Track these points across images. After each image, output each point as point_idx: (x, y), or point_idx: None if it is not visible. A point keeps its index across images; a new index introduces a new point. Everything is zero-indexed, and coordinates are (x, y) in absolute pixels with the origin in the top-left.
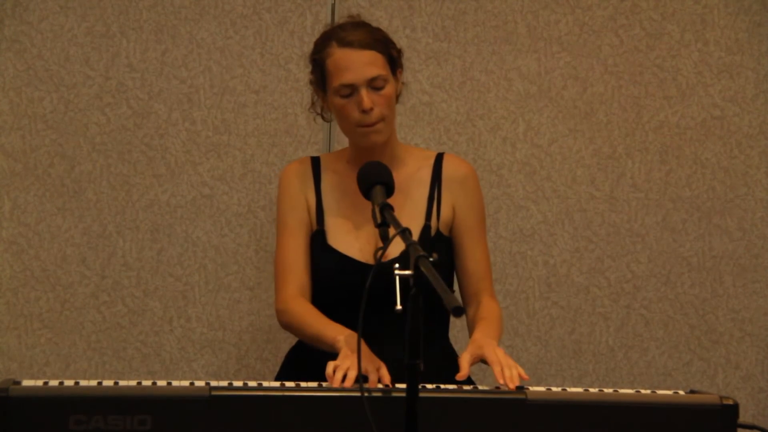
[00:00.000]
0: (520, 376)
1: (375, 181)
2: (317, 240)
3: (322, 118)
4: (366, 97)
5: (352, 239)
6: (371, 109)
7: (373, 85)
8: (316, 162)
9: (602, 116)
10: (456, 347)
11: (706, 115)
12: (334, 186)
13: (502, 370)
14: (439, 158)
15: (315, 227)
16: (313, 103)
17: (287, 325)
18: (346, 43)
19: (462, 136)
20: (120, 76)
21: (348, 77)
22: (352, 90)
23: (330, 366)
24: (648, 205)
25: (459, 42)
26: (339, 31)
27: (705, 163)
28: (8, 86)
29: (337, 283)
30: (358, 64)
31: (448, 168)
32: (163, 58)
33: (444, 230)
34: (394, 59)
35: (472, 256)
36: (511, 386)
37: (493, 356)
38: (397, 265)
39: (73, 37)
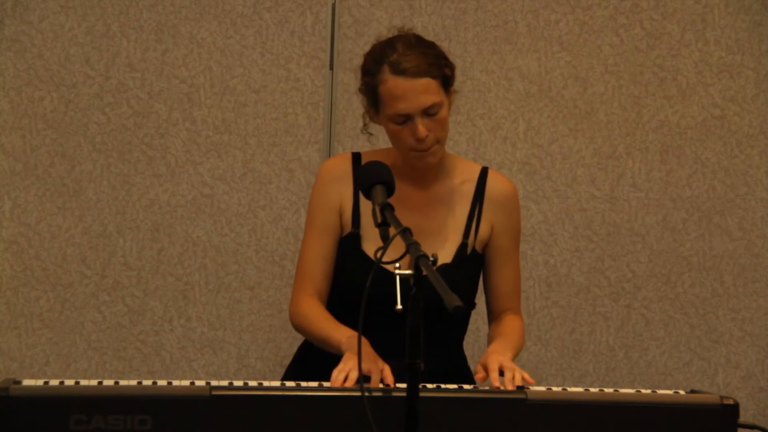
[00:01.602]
0: (524, 378)
1: (375, 180)
2: (351, 243)
3: (365, 129)
4: (421, 125)
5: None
6: (427, 136)
7: (428, 112)
8: (357, 159)
9: (602, 116)
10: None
11: (707, 114)
12: None
13: (498, 376)
14: (484, 174)
15: (350, 229)
16: (365, 125)
17: (298, 327)
18: (399, 71)
19: (462, 135)
20: (120, 75)
21: (402, 107)
22: (405, 118)
23: (334, 372)
24: (648, 204)
25: (459, 42)
26: (391, 53)
27: (705, 162)
28: (8, 86)
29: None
30: (412, 93)
31: (492, 187)
32: (164, 58)
33: (479, 248)
34: (447, 79)
35: (502, 275)
36: (509, 387)
37: (493, 364)
38: (397, 265)
39: (74, 37)
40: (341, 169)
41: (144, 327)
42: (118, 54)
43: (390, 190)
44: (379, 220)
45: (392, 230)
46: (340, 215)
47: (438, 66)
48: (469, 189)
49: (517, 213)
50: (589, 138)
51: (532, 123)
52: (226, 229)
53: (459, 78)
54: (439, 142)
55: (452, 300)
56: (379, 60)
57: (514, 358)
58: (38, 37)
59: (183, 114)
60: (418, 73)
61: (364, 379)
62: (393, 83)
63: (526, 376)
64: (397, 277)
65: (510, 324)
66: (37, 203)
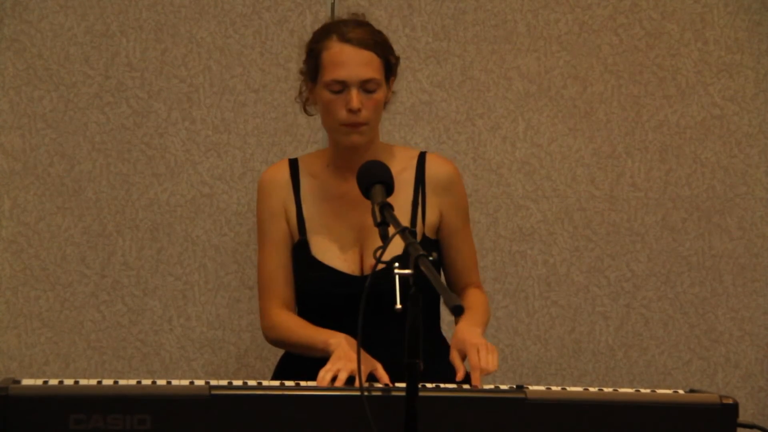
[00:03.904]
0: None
1: (375, 180)
2: (301, 251)
3: (306, 111)
4: (356, 97)
5: (336, 250)
6: (359, 110)
7: (366, 87)
8: (294, 165)
9: (602, 115)
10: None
11: (706, 114)
12: (314, 192)
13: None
14: (422, 159)
15: (297, 237)
16: (300, 92)
17: (276, 341)
18: (346, 39)
19: (462, 135)
20: (120, 75)
21: (341, 74)
22: (342, 87)
23: (321, 372)
24: (648, 204)
25: (458, 41)
26: (341, 26)
27: (705, 162)
28: (8, 85)
29: (323, 296)
30: (354, 62)
31: (432, 170)
32: (163, 58)
33: (429, 234)
34: (390, 66)
35: (459, 253)
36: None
37: (474, 358)
38: (397, 264)
39: (73, 36)
40: (280, 177)
41: (143, 326)
42: (117, 53)
43: (389, 190)
44: (379, 219)
45: (392, 229)
46: (288, 223)
47: (384, 48)
48: (409, 176)
49: (462, 192)
50: (588, 137)
51: (532, 122)
52: (225, 229)
53: (458, 77)
54: (369, 123)
55: (452, 299)
56: (329, 30)
57: (483, 332)
58: (37, 36)
59: (182, 113)
60: (363, 45)
61: (351, 379)
62: (338, 48)
63: (495, 362)
64: (396, 277)
65: (474, 298)
66: (36, 203)
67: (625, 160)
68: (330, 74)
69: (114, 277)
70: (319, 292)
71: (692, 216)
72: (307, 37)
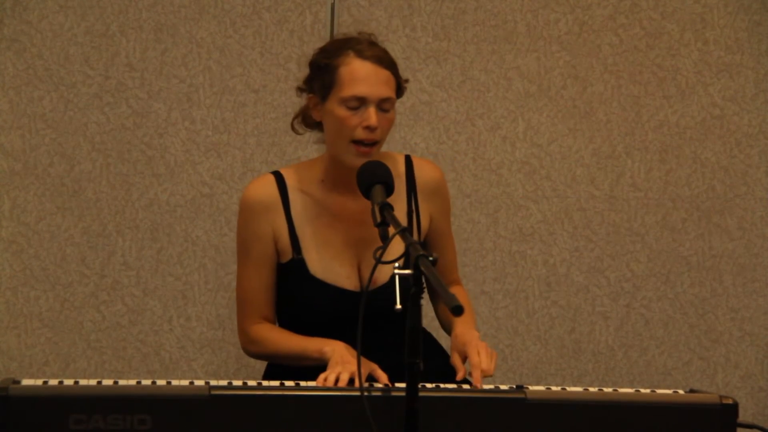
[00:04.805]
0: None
1: (375, 180)
2: (297, 270)
3: (294, 129)
4: (374, 114)
5: (336, 266)
6: (376, 128)
7: (382, 106)
8: (280, 181)
9: (602, 116)
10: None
11: (706, 114)
12: (307, 210)
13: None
14: (409, 164)
15: (290, 255)
16: (303, 114)
17: (261, 355)
18: (366, 57)
19: (461, 135)
20: (119, 75)
21: (362, 90)
22: (360, 104)
23: (320, 378)
24: (648, 204)
25: (458, 41)
26: (355, 43)
27: (705, 162)
28: (8, 85)
29: (325, 314)
30: (375, 79)
31: (422, 176)
32: (163, 58)
33: (422, 238)
34: (400, 86)
35: (444, 253)
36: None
37: (475, 358)
38: (397, 264)
39: (73, 37)
40: (268, 197)
41: (143, 327)
42: (117, 54)
43: (390, 190)
44: (378, 219)
45: (392, 229)
46: (275, 243)
47: (396, 68)
48: (400, 184)
49: (448, 194)
50: (588, 138)
51: (532, 123)
52: (225, 229)
53: (458, 77)
54: (379, 144)
55: (451, 300)
56: (343, 46)
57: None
58: (37, 36)
59: (182, 114)
60: (383, 63)
61: (351, 381)
62: (358, 65)
63: (492, 365)
64: (397, 277)
65: (461, 298)
66: (36, 203)
67: (625, 160)
68: (349, 90)
69: (114, 277)
70: (321, 310)
71: (692, 216)
72: (308, 37)
